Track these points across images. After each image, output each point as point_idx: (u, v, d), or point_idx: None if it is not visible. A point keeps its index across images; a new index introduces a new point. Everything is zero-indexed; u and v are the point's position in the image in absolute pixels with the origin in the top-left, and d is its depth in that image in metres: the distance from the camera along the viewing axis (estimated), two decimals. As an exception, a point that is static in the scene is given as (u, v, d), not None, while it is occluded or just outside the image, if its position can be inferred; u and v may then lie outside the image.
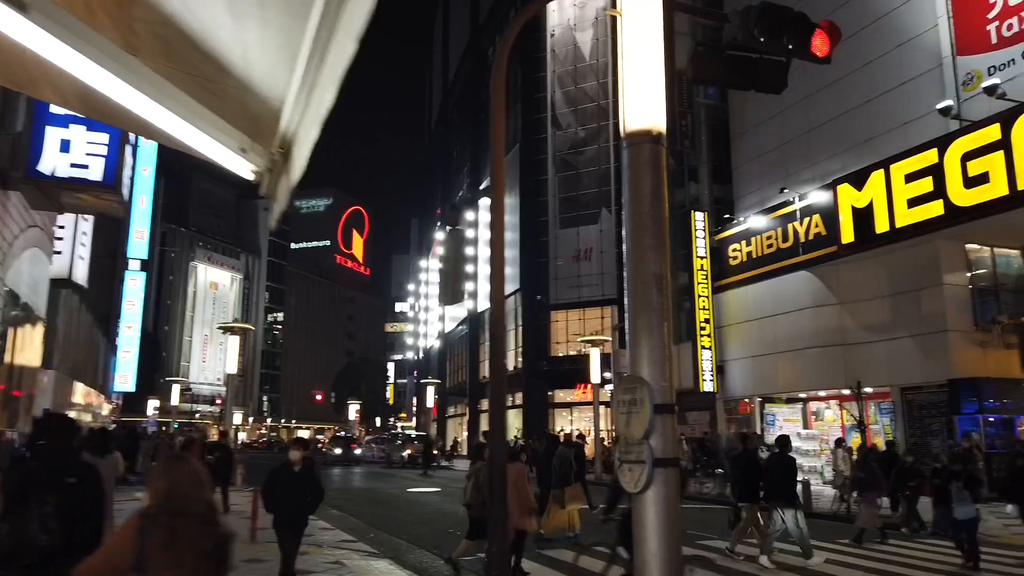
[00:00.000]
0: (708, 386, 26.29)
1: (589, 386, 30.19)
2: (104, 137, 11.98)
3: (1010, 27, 17.92)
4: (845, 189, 20.62)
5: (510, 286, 44.97)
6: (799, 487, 11.85)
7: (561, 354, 40.93)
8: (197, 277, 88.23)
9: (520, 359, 43.28)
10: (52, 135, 11.66)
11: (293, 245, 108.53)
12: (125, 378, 38.09)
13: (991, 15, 18.38)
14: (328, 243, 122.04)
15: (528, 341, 42.36)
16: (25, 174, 11.82)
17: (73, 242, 18.63)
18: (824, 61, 6.94)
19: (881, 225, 19.41)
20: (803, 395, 24.54)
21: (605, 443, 29.99)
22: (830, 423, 23.05)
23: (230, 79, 2.19)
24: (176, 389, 48.01)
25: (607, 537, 7.74)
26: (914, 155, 18.60)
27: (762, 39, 6.38)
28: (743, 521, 10.63)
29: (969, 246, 19.61)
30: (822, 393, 23.59)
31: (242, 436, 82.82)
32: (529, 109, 44.06)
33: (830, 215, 21.11)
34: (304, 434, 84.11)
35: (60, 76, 2.01)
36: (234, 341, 23.06)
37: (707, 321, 26.48)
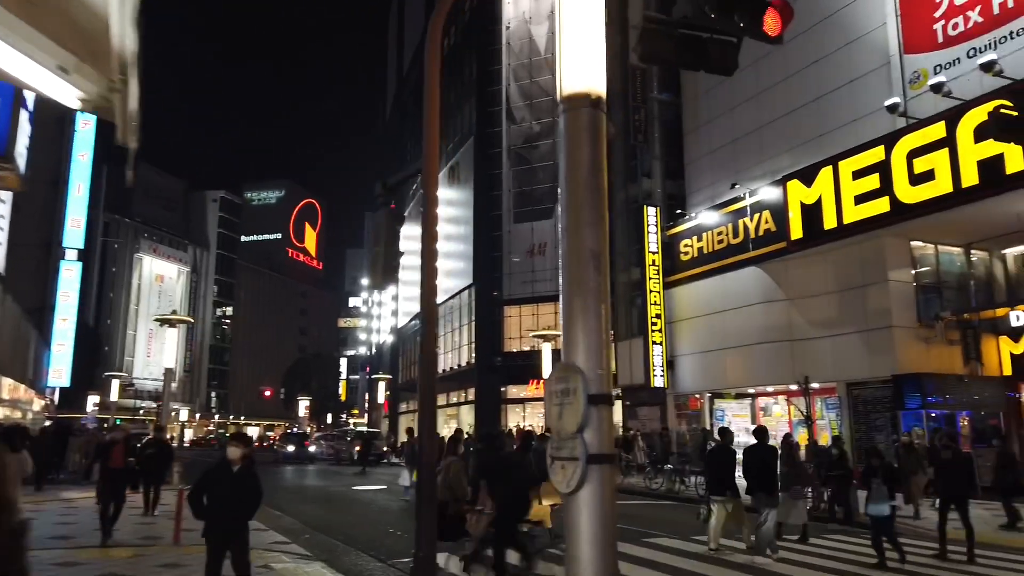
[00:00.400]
0: (659, 381, 26.26)
1: (542, 382, 29.98)
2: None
3: (956, 26, 18.17)
4: (794, 185, 20.72)
5: (463, 280, 44.56)
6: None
7: (515, 349, 40.68)
8: (142, 269, 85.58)
9: (473, 354, 42.90)
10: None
11: (243, 238, 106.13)
12: (59, 372, 36.50)
13: (937, 14, 18.62)
14: (280, 236, 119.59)
15: (481, 336, 41.99)
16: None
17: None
18: (776, 41, 6.67)
19: (829, 221, 19.54)
20: (752, 390, 24.69)
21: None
22: (778, 418, 23.22)
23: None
24: (116, 384, 46.30)
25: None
26: (862, 152, 18.75)
27: (713, 15, 6.09)
28: (723, 517, 10.37)
29: (914, 243, 19.86)
30: (770, 388, 23.76)
31: (188, 433, 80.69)
32: (484, 102, 43.64)
33: (780, 211, 21.20)
34: (253, 431, 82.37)
35: None
36: (172, 334, 22.12)
37: (658, 316, 26.45)
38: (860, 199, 18.64)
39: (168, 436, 27.24)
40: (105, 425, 46.42)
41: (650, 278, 26.54)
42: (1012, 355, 19.52)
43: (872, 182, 18.33)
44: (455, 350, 46.43)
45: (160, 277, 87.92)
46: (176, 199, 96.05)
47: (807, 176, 20.32)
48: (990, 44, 17.29)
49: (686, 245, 25.71)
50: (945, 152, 16.63)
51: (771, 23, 6.63)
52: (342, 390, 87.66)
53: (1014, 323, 19.13)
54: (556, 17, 3.90)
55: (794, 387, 21.37)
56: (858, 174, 18.74)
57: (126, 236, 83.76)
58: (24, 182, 15.46)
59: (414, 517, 7.71)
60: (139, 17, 1.63)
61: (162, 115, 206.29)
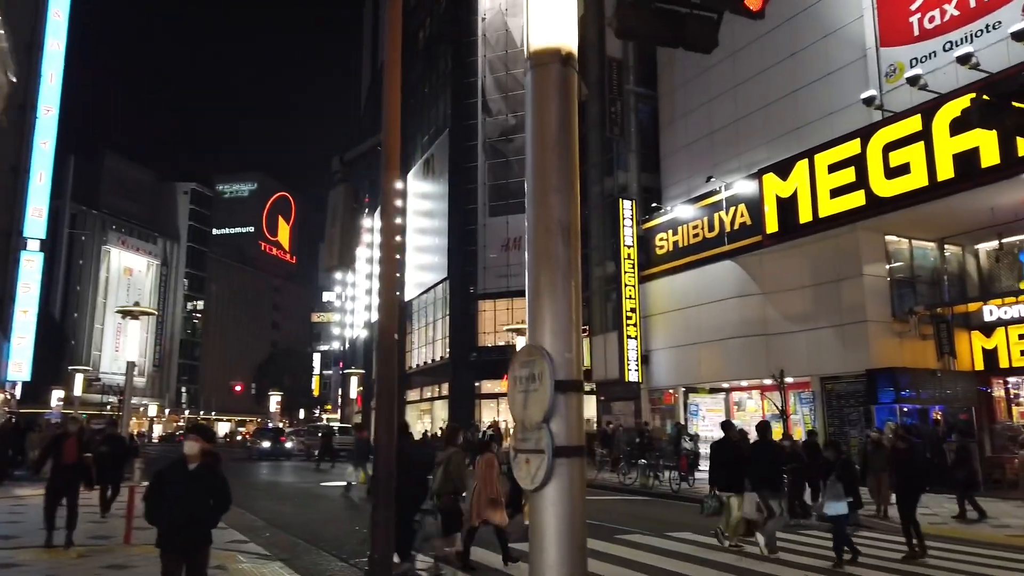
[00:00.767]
0: (633, 376, 26.08)
1: (515, 376, 29.60)
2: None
3: (932, 19, 18.11)
4: (770, 179, 20.59)
5: (438, 275, 44.11)
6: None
7: (489, 344, 40.30)
8: (110, 262, 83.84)
9: (447, 349, 42.46)
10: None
11: (215, 231, 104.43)
12: (19, 366, 35.35)
13: (914, 7, 18.55)
14: (252, 229, 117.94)
15: (455, 330, 41.56)
16: None
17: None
18: (758, 16, 6.35)
19: (805, 215, 19.44)
20: (726, 385, 24.59)
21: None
22: (752, 413, 23.13)
23: None
24: (80, 379, 44.99)
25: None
26: (837, 145, 18.65)
27: (693, -14, 5.78)
28: (736, 513, 10.07)
29: (888, 238, 19.84)
30: (744, 383, 23.67)
31: (158, 428, 79.11)
32: (459, 94, 43.16)
33: (755, 205, 21.06)
34: (224, 427, 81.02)
35: None
36: (135, 326, 21.35)
37: (633, 310, 26.24)
38: (835, 192, 18.54)
39: (130, 432, 26.47)
40: (60, 419, 45.27)
41: (625, 272, 26.33)
42: (984, 349, 19.60)
43: (848, 175, 18.23)
44: (429, 344, 45.95)
45: (129, 270, 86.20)
46: (146, 191, 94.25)
47: (783, 169, 20.19)
48: (966, 37, 17.24)
49: (661, 239, 25.52)
50: (921, 145, 16.56)
51: (753, -4, 6.34)
52: (315, 385, 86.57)
53: (986, 318, 19.22)
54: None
55: (768, 381, 21.27)
56: (834, 167, 18.63)
57: (93, 228, 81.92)
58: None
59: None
60: None
61: (132, 105, 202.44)
